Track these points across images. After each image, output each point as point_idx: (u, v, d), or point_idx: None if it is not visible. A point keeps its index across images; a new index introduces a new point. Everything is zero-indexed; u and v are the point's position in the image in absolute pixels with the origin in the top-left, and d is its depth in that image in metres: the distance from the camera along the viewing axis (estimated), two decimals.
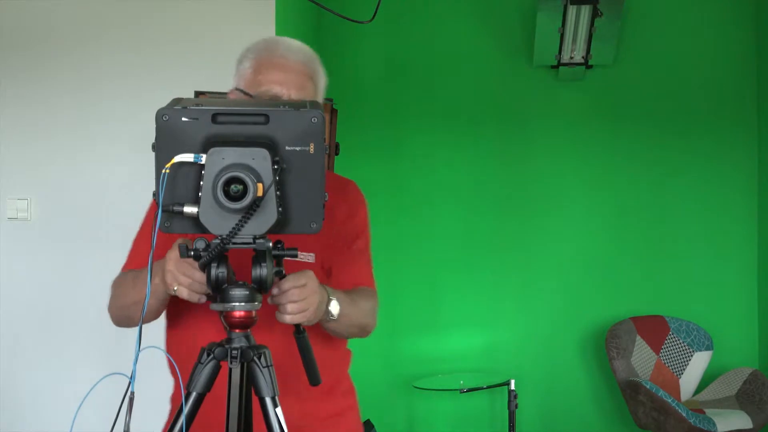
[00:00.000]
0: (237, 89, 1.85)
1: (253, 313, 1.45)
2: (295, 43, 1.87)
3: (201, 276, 1.47)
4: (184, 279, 1.52)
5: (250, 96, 1.81)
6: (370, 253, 1.99)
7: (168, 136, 1.35)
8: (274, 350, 1.52)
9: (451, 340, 5.03)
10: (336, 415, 1.91)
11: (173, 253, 1.53)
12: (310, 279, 1.57)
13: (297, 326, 1.63)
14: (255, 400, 1.46)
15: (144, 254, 1.84)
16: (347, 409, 1.97)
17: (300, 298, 1.55)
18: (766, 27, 4.89)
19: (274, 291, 1.53)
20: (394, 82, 5.04)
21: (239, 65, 1.87)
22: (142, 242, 1.97)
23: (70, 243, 3.34)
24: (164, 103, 1.39)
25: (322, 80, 1.89)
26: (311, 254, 1.84)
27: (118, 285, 1.86)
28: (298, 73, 1.81)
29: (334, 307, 1.68)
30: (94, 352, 3.28)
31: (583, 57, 4.73)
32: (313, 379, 1.64)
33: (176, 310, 1.80)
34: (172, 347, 1.83)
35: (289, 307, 1.54)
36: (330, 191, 1.79)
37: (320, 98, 1.88)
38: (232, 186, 1.31)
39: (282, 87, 1.79)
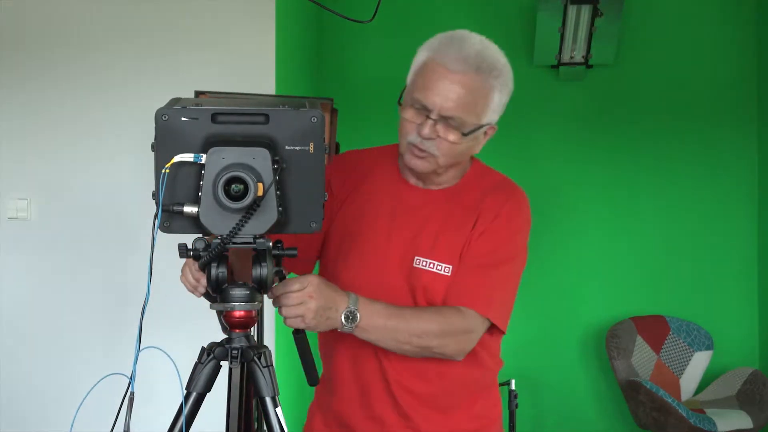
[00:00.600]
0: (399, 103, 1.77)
1: (254, 312, 1.45)
2: (471, 48, 1.69)
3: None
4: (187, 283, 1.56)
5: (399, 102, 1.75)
6: (504, 272, 1.83)
7: (167, 135, 1.35)
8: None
9: None
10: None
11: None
12: (307, 284, 1.54)
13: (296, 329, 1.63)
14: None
15: None
16: (486, 426, 1.92)
17: (292, 303, 1.53)
18: (766, 26, 4.89)
19: (267, 294, 1.52)
20: (395, 82, 4.99)
21: (415, 57, 1.79)
22: None
23: (69, 243, 3.34)
24: (164, 103, 1.39)
25: (499, 95, 1.73)
26: (449, 266, 1.78)
27: None
28: (459, 85, 1.67)
29: (352, 317, 1.60)
30: (93, 352, 3.28)
31: (583, 57, 4.73)
32: (311, 380, 1.64)
33: None
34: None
35: (283, 311, 1.54)
36: (476, 191, 1.82)
37: (491, 114, 1.74)
38: (233, 186, 1.31)
39: (437, 97, 1.67)
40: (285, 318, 1.55)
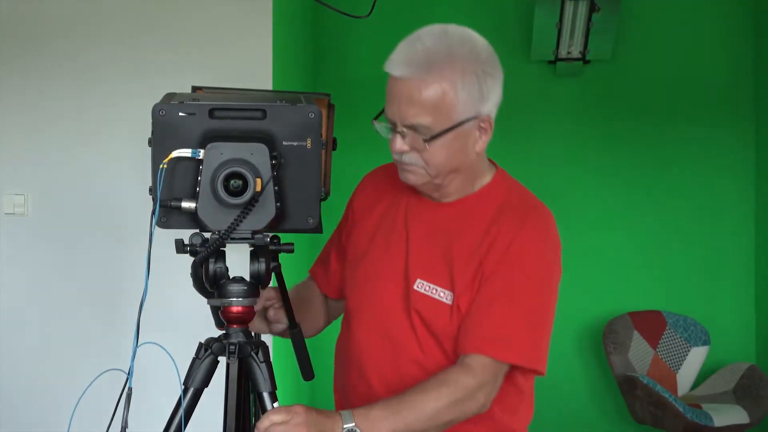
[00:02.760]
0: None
1: (251, 308, 1.45)
2: (411, 48, 1.54)
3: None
4: None
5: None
6: (527, 306, 1.64)
7: (165, 131, 1.35)
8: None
9: None
10: None
11: None
12: (293, 414, 1.37)
13: (291, 321, 1.62)
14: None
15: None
16: None
17: None
18: (763, 22, 4.89)
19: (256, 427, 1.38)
20: None
21: None
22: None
23: (67, 238, 3.33)
24: (160, 99, 1.39)
25: (473, 81, 1.52)
26: (450, 293, 1.61)
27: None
28: (404, 93, 1.52)
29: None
30: (91, 347, 3.28)
31: (580, 52, 4.73)
32: (306, 374, 1.65)
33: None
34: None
35: None
36: (492, 207, 1.66)
37: (464, 109, 1.53)
38: (232, 181, 1.31)
39: (391, 111, 1.54)
40: None
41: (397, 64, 1.52)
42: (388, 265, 1.67)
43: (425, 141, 1.53)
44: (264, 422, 1.35)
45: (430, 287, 1.62)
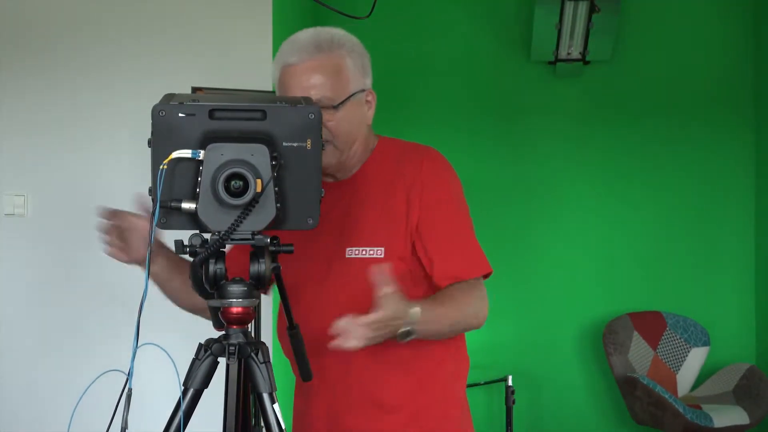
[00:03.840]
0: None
1: (251, 309, 1.45)
2: (303, 39, 1.75)
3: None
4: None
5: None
6: (465, 225, 1.85)
7: (164, 132, 1.35)
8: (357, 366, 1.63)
9: None
10: None
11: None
12: (398, 310, 1.51)
13: (290, 322, 1.63)
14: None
15: None
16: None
17: (377, 332, 1.49)
18: (763, 22, 4.89)
19: (372, 317, 1.46)
20: (391, 78, 5.03)
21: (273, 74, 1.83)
22: None
23: (67, 239, 3.33)
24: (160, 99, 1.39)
25: (349, 61, 1.74)
26: (381, 248, 1.75)
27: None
28: (307, 73, 1.72)
29: (407, 331, 1.55)
30: (91, 348, 3.28)
31: (580, 53, 4.73)
32: (305, 375, 1.65)
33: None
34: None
35: (352, 338, 1.47)
36: (389, 160, 1.80)
37: (354, 81, 1.74)
38: (233, 182, 1.31)
39: (312, 91, 1.69)
40: (357, 338, 1.47)
41: (290, 55, 1.74)
42: (315, 250, 1.76)
43: (334, 107, 1.71)
44: (380, 313, 1.47)
45: (360, 250, 1.75)
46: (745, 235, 4.97)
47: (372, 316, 1.47)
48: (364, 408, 1.76)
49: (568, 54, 4.76)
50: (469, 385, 4.77)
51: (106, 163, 3.34)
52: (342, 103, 1.73)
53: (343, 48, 1.74)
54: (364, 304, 1.54)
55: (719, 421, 4.16)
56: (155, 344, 1.46)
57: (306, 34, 1.76)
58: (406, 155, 1.84)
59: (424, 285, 1.77)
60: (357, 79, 1.76)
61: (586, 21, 4.53)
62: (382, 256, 1.73)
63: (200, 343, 1.45)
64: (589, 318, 5.00)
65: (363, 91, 1.78)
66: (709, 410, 4.26)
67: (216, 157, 1.32)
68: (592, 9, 4.45)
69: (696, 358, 4.74)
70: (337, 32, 1.77)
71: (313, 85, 1.70)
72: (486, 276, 1.87)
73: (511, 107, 5.07)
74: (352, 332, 1.46)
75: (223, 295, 1.42)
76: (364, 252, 1.74)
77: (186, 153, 1.33)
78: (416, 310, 1.56)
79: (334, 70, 1.72)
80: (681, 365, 4.73)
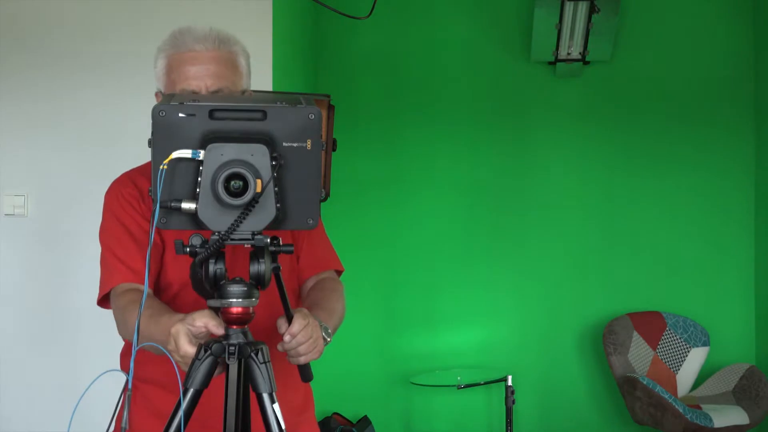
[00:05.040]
0: (159, 92, 1.81)
1: (251, 309, 1.45)
2: (203, 30, 1.80)
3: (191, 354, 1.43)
4: (180, 359, 1.45)
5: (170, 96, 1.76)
6: (323, 228, 1.98)
7: (165, 132, 1.35)
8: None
9: (449, 336, 5.03)
10: None
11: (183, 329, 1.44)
12: (310, 315, 1.57)
13: (290, 323, 1.63)
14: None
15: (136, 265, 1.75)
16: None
17: (308, 337, 1.55)
18: (763, 22, 4.89)
19: (287, 338, 1.52)
20: (392, 78, 5.04)
21: (154, 66, 1.81)
22: (127, 247, 1.80)
23: (67, 239, 3.34)
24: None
25: (243, 60, 1.81)
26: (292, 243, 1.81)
27: (127, 314, 1.66)
28: (210, 62, 1.75)
29: (327, 330, 1.66)
30: (92, 348, 3.28)
31: (580, 53, 4.73)
32: (305, 376, 1.65)
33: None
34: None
35: (302, 348, 1.55)
36: None
37: (245, 79, 1.81)
38: (233, 182, 1.31)
39: (197, 81, 1.73)
40: (303, 354, 1.56)
41: (193, 42, 1.75)
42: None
43: None
44: (294, 327, 1.52)
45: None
46: (745, 235, 4.97)
47: (295, 326, 1.53)
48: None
49: (568, 54, 4.76)
50: (469, 385, 4.79)
51: (106, 163, 3.34)
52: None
53: (237, 46, 1.80)
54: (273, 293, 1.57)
55: (719, 422, 4.16)
56: (155, 344, 1.46)
57: (203, 27, 1.80)
58: None
59: None
60: (246, 78, 1.82)
61: (585, 21, 4.54)
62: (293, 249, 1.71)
63: (200, 343, 1.45)
64: (589, 318, 5.00)
65: (245, 90, 1.83)
66: (708, 410, 4.26)
67: (216, 157, 1.32)
68: (592, 9, 4.45)
69: (696, 359, 4.74)
70: (228, 31, 1.83)
71: (215, 73, 1.73)
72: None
73: (511, 107, 5.07)
74: (303, 348, 1.55)
75: (223, 295, 1.42)
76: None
77: (186, 153, 1.33)
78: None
79: (233, 64, 1.77)
80: (681, 365, 4.73)
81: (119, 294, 1.73)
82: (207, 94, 1.72)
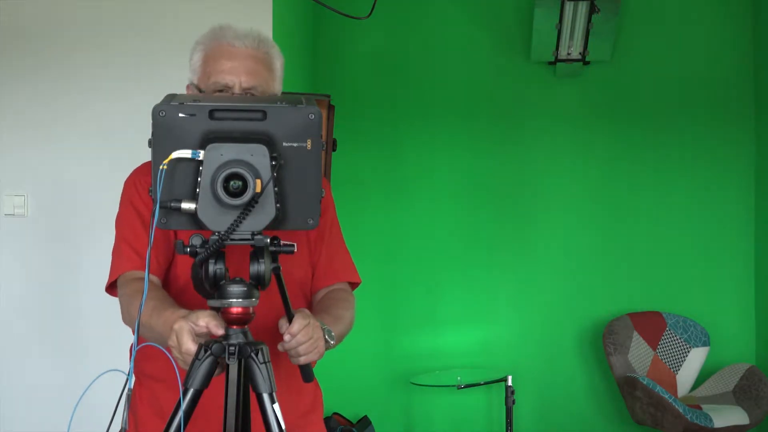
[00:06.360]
0: (191, 84, 1.83)
1: (251, 309, 1.45)
2: (243, 29, 1.83)
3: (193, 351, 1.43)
4: (180, 355, 1.45)
5: (201, 92, 1.77)
6: (342, 238, 1.99)
7: (165, 132, 1.35)
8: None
9: (449, 337, 5.03)
10: None
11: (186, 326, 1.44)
12: (311, 316, 1.57)
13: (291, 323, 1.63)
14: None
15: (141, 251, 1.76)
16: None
17: (309, 338, 1.55)
18: (763, 22, 4.89)
19: (286, 338, 1.53)
20: (392, 78, 5.04)
21: (191, 59, 1.83)
22: (138, 234, 1.79)
23: (66, 239, 3.34)
24: (161, 99, 1.39)
25: (279, 63, 1.83)
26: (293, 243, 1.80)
27: (132, 302, 1.66)
28: (248, 59, 1.77)
29: (330, 333, 1.65)
30: (91, 348, 3.28)
31: (580, 53, 4.73)
32: (306, 377, 1.65)
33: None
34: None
35: (302, 348, 1.55)
36: None
37: (278, 82, 1.83)
38: (232, 182, 1.31)
39: (232, 75, 1.75)
40: (303, 355, 1.56)
41: (234, 39, 1.78)
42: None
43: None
44: (294, 327, 1.52)
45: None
46: (745, 236, 4.97)
47: (295, 326, 1.53)
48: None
49: (568, 54, 4.76)
50: (469, 385, 4.79)
51: (106, 163, 3.34)
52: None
53: (275, 49, 1.83)
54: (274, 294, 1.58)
55: (719, 422, 4.16)
56: (155, 344, 1.46)
57: (243, 26, 1.83)
58: None
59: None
60: (279, 82, 1.84)
61: (585, 21, 4.54)
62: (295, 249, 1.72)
63: (200, 343, 1.45)
64: (589, 318, 5.00)
65: (279, 93, 1.85)
66: (708, 410, 4.26)
67: (216, 157, 1.32)
68: (592, 9, 4.45)
69: (696, 359, 4.74)
70: (267, 35, 1.85)
71: (251, 70, 1.76)
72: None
73: (511, 107, 5.07)
74: (303, 348, 1.55)
75: (222, 295, 1.42)
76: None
77: (186, 153, 1.33)
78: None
79: (269, 65, 1.80)
80: (681, 365, 4.73)
81: (127, 281, 1.73)
82: (239, 91, 1.75)
